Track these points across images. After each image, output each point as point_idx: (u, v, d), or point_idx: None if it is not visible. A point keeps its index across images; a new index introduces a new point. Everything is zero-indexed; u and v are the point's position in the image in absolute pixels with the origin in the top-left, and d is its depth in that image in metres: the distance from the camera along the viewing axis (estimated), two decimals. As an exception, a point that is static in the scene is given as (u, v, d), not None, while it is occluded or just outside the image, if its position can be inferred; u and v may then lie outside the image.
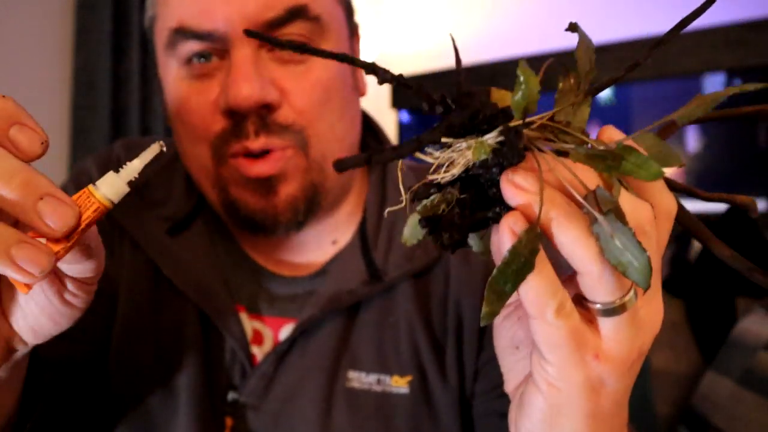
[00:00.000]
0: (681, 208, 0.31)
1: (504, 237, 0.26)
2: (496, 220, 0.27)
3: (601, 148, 0.26)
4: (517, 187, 0.26)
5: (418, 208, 0.28)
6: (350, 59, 0.27)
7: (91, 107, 1.83)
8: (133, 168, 0.31)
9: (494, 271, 0.25)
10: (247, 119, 0.50)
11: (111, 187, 0.30)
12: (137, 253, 0.58)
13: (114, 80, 1.84)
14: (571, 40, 0.29)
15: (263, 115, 0.51)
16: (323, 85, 0.52)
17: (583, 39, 0.29)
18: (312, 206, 0.54)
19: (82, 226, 0.29)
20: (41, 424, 0.51)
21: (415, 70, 2.74)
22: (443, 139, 0.26)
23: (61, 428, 0.56)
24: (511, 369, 0.34)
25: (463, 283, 0.56)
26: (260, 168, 0.51)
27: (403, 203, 0.28)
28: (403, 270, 0.55)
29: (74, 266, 0.32)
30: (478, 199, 0.28)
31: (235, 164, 0.52)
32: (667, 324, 1.37)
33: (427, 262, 0.56)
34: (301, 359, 0.55)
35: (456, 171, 0.27)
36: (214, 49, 0.51)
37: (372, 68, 0.27)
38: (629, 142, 0.26)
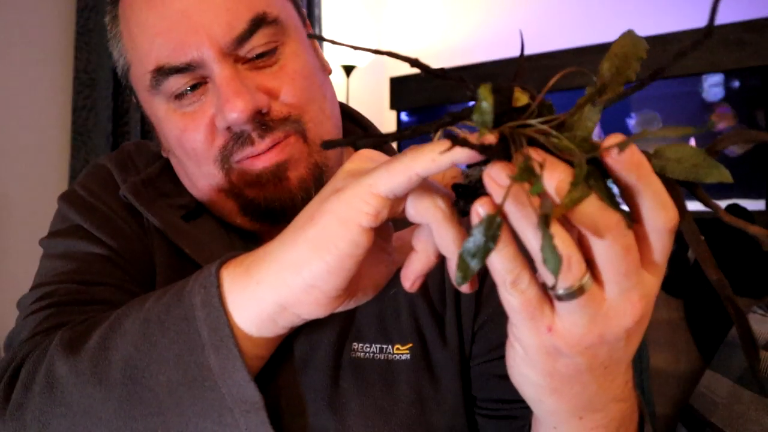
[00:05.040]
0: (687, 223, 0.31)
1: (472, 218, 0.30)
2: None
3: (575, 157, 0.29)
4: (490, 180, 0.30)
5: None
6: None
7: (92, 108, 1.83)
8: None
9: (463, 244, 0.29)
10: (247, 128, 0.54)
11: None
12: (162, 239, 0.62)
13: (115, 81, 1.85)
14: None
15: (260, 119, 0.55)
16: (300, 75, 0.57)
17: (617, 46, 0.31)
18: (320, 186, 0.58)
19: None
20: None
21: (414, 70, 2.74)
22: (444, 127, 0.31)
23: None
24: None
25: None
26: (266, 159, 0.56)
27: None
28: None
29: None
30: None
31: (241, 167, 0.56)
32: (666, 324, 1.37)
33: None
34: (312, 332, 0.57)
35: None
36: (196, 77, 0.55)
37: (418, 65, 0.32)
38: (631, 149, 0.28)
